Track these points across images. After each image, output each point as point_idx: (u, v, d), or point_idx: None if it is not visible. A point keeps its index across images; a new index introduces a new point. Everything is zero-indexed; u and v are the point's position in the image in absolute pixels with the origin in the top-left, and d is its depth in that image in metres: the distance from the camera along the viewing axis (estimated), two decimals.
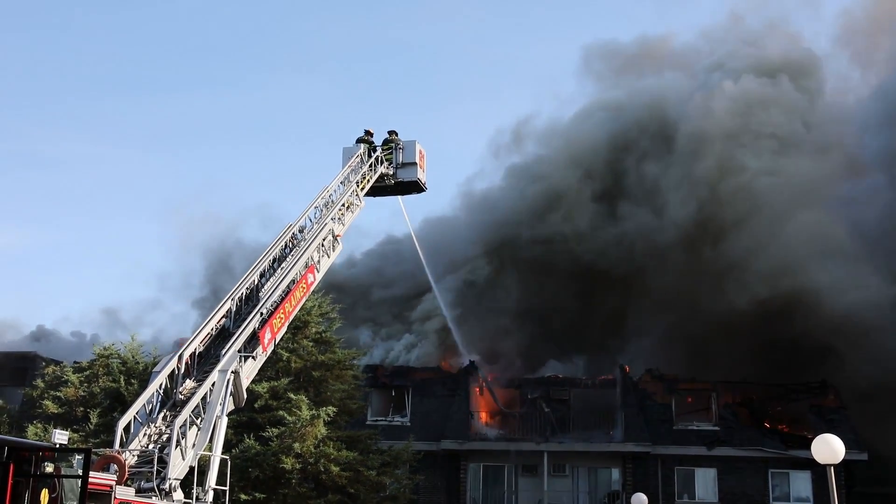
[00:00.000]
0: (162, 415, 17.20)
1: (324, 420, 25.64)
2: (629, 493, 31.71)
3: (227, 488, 17.22)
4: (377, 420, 34.69)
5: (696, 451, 34.94)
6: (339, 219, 23.51)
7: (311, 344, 28.30)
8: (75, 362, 31.86)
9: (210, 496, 16.82)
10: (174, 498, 15.95)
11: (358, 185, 24.92)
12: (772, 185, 41.19)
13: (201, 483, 16.79)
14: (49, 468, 13.61)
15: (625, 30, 70.86)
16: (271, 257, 21.30)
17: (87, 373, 29.47)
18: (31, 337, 51.90)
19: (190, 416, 16.77)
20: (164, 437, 16.49)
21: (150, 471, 15.85)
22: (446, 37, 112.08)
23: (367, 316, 45.85)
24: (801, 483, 34.40)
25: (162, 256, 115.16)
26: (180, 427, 16.38)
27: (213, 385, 17.49)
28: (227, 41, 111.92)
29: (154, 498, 15.46)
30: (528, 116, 56.43)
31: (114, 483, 14.42)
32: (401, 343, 43.20)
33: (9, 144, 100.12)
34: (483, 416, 36.96)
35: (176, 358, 17.81)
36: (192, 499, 16.47)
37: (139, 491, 15.42)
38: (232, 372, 17.77)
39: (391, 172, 26.95)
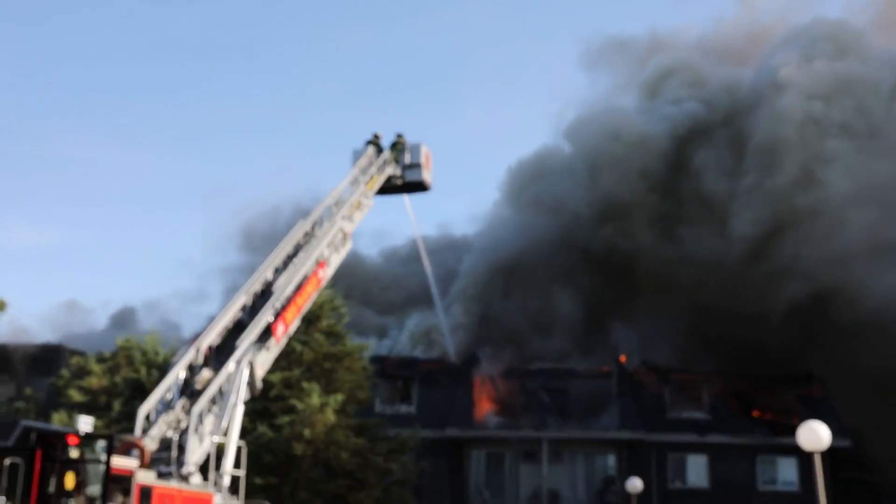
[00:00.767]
0: (181, 403, 17.24)
1: (333, 408, 25.70)
2: (624, 479, 31.73)
3: (242, 473, 17.28)
4: (384, 409, 34.73)
5: (688, 439, 34.97)
6: (348, 217, 23.54)
7: (322, 336, 28.36)
8: (99, 353, 31.93)
9: (226, 480, 16.88)
10: (192, 482, 16.00)
11: (367, 185, 24.95)
12: (847, 192, 38.90)
13: (218, 468, 16.85)
14: (74, 453, 13.67)
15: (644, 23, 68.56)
16: (284, 254, 21.32)
17: (110, 363, 29.57)
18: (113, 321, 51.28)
19: (207, 404, 16.82)
20: (183, 425, 16.54)
21: (169, 456, 15.91)
22: (459, 37, 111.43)
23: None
24: (787, 469, 34.42)
25: (200, 250, 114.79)
26: (198, 415, 16.43)
27: (229, 375, 17.55)
28: (234, 43, 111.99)
29: (173, 481, 15.52)
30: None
31: (135, 467, 14.48)
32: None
33: (23, 145, 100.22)
34: (485, 405, 37.01)
35: (194, 349, 17.87)
36: (209, 483, 16.52)
37: (159, 475, 15.46)
38: (247, 362, 17.83)
39: (398, 173, 27.00)
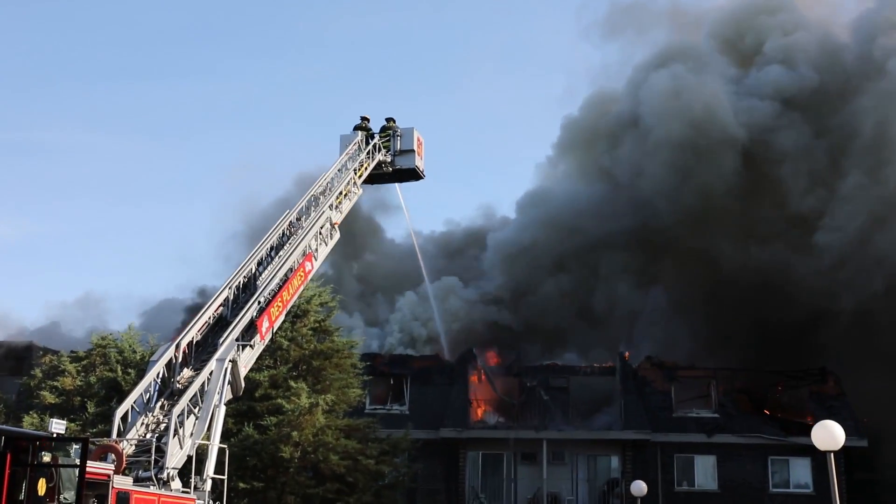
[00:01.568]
0: (159, 404, 17.22)
1: (322, 409, 25.67)
2: (628, 481, 31.75)
3: (225, 477, 17.24)
4: (376, 409, 34.70)
5: (695, 439, 34.96)
6: (336, 207, 23.49)
7: (310, 333, 28.31)
8: (72, 352, 31.82)
9: (208, 485, 16.86)
10: (172, 487, 15.97)
11: (355, 173, 24.89)
12: None
13: (199, 472, 16.83)
14: (46, 458, 13.60)
15: None
16: (269, 245, 21.30)
17: (85, 362, 29.45)
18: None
19: (188, 405, 16.78)
20: (162, 427, 16.51)
21: (147, 460, 15.89)
22: (459, 14, 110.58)
23: None
24: (800, 470, 34.45)
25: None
26: (178, 416, 16.40)
27: (210, 374, 17.50)
28: (222, 29, 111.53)
29: (152, 487, 15.47)
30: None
31: (111, 472, 14.43)
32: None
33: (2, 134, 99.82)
34: (482, 404, 36.99)
35: (173, 347, 17.83)
36: (190, 488, 16.49)
37: (137, 480, 15.44)
38: (230, 360, 17.79)
39: (389, 160, 26.93)
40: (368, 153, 25.90)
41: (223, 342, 17.98)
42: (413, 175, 27.73)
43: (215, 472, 17.02)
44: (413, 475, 30.43)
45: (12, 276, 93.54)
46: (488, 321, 43.11)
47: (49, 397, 28.47)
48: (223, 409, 17.66)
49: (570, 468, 35.45)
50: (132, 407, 16.73)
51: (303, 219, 22.49)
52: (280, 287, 20.09)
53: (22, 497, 13.16)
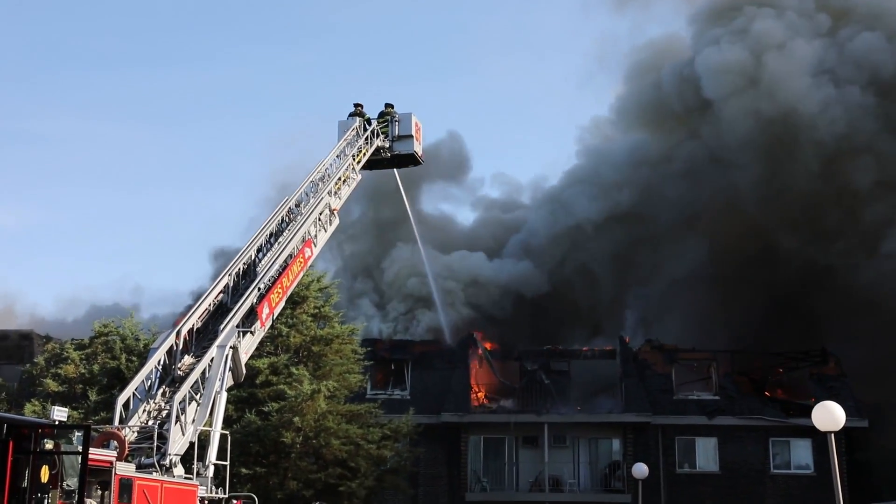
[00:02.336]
0: (161, 391, 17.28)
1: (324, 395, 25.76)
2: (630, 464, 31.86)
3: (227, 463, 17.31)
4: (377, 394, 34.76)
5: (696, 421, 35.07)
6: (335, 193, 23.51)
7: (310, 319, 28.36)
8: (74, 339, 31.90)
9: (210, 471, 16.92)
10: (175, 473, 16.04)
11: (354, 159, 24.89)
12: None
13: (202, 458, 16.89)
14: (49, 445, 13.64)
15: None
16: (268, 232, 21.32)
17: (87, 350, 29.52)
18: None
19: (189, 391, 16.84)
20: (164, 413, 16.57)
21: (150, 447, 15.94)
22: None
23: None
24: (801, 451, 34.57)
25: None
26: (179, 403, 16.46)
27: (211, 360, 17.55)
28: (218, 15, 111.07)
29: (154, 473, 15.54)
30: None
31: (114, 459, 14.49)
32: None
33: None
34: (483, 388, 37.06)
35: (174, 334, 17.87)
36: (192, 474, 16.56)
37: (139, 467, 15.50)
38: (230, 347, 17.84)
39: (387, 145, 26.91)
40: (366, 139, 25.88)
41: (224, 329, 18.02)
42: (412, 160, 27.72)
43: (218, 459, 17.08)
44: (415, 460, 30.55)
45: (25, 266, 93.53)
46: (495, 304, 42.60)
47: (51, 385, 28.56)
48: (224, 395, 17.72)
49: (572, 451, 35.57)
50: (134, 394, 16.79)
51: (301, 205, 22.51)
52: (280, 273, 20.13)
53: (25, 484, 13.20)
